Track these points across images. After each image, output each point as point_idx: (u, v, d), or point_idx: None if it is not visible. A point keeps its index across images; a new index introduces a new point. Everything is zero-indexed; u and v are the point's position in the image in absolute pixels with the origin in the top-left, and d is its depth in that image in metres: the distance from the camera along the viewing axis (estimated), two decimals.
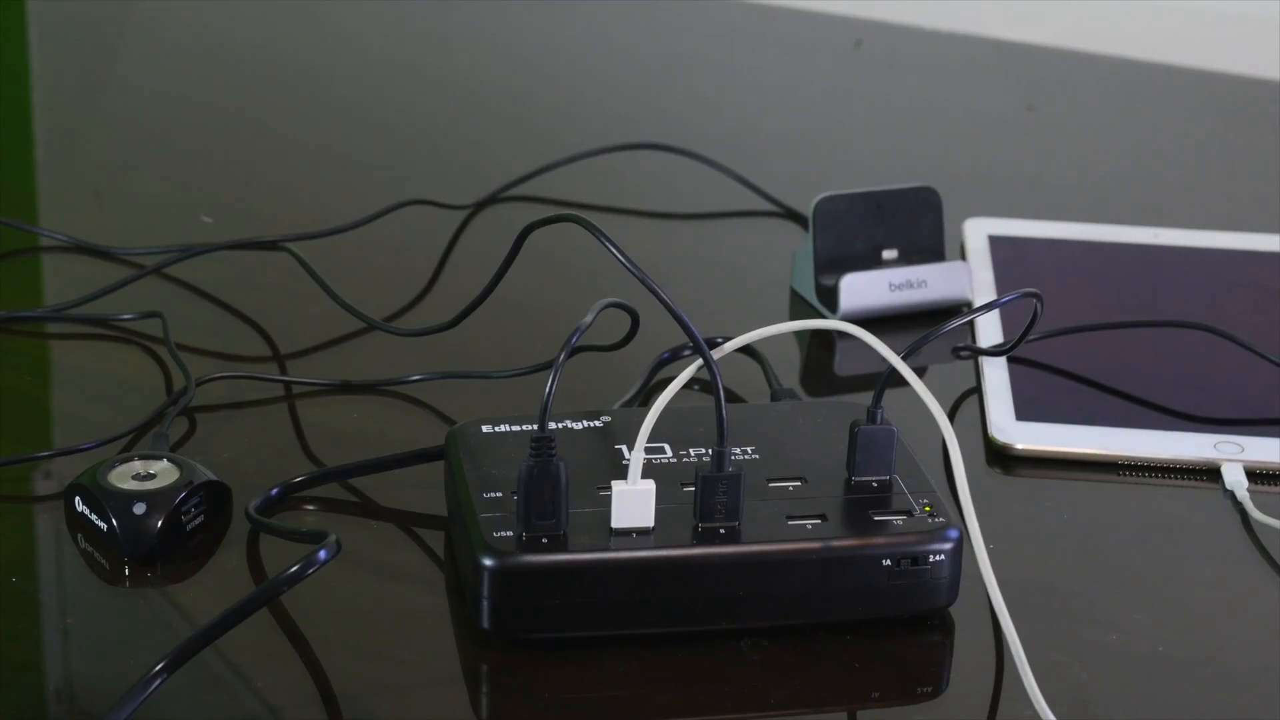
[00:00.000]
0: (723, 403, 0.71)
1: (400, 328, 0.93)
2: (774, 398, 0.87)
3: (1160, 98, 1.32)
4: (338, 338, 0.94)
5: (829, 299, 0.97)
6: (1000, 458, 0.86)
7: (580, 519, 0.71)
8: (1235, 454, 0.84)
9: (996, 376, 0.90)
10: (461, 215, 1.08)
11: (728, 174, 1.12)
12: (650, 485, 0.71)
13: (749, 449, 0.76)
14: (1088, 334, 0.94)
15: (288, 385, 0.90)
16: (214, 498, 0.78)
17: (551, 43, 1.39)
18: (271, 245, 0.99)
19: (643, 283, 0.73)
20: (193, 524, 0.77)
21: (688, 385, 0.73)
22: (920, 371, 0.82)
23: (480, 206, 1.09)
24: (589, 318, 0.74)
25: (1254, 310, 0.99)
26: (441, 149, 1.20)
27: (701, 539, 0.71)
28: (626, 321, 0.85)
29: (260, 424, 0.87)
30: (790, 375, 0.92)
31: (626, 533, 0.71)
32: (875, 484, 0.74)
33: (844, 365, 0.96)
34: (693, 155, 1.13)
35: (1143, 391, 0.90)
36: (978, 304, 0.97)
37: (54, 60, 1.34)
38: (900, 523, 0.73)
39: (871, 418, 0.74)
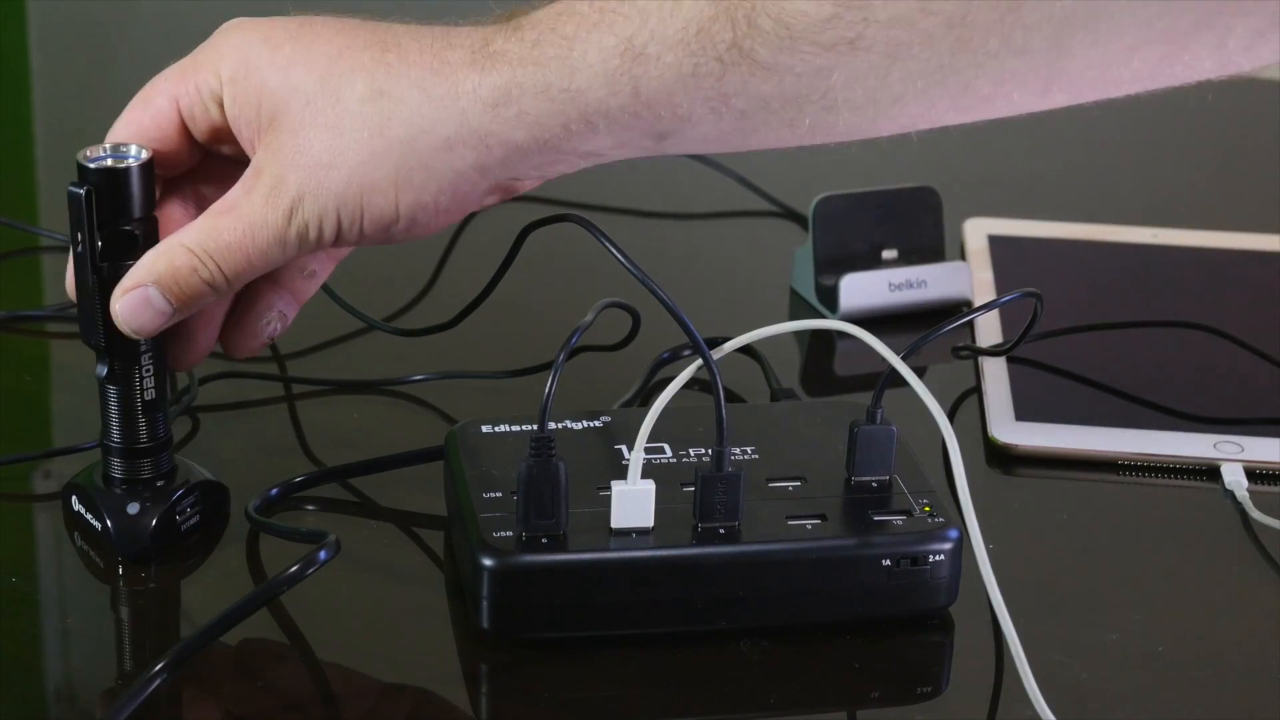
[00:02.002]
0: (722, 403, 0.71)
1: (400, 327, 0.93)
2: (774, 398, 0.87)
3: (1160, 98, 1.31)
4: (338, 337, 0.94)
5: (829, 299, 0.97)
6: (1000, 457, 0.86)
7: (580, 519, 0.71)
8: (1235, 454, 0.84)
9: (996, 376, 0.90)
10: None
11: (728, 174, 1.12)
12: (650, 485, 0.71)
13: (749, 449, 0.76)
14: (1088, 334, 0.94)
15: (288, 385, 0.90)
16: (210, 497, 0.78)
17: None
18: None
19: (642, 283, 0.73)
20: (188, 524, 0.77)
21: (688, 385, 0.73)
22: (920, 371, 0.82)
23: None
24: (589, 318, 0.74)
25: (1254, 310, 0.99)
26: None
27: (701, 539, 0.71)
28: (627, 321, 0.85)
29: (261, 423, 0.87)
30: (790, 375, 0.92)
31: (626, 533, 0.71)
32: (875, 484, 0.74)
33: (843, 365, 0.96)
34: (693, 155, 1.13)
35: (1142, 391, 0.90)
36: (977, 304, 0.97)
37: (54, 60, 1.34)
38: (900, 523, 0.73)
39: (871, 417, 0.74)
